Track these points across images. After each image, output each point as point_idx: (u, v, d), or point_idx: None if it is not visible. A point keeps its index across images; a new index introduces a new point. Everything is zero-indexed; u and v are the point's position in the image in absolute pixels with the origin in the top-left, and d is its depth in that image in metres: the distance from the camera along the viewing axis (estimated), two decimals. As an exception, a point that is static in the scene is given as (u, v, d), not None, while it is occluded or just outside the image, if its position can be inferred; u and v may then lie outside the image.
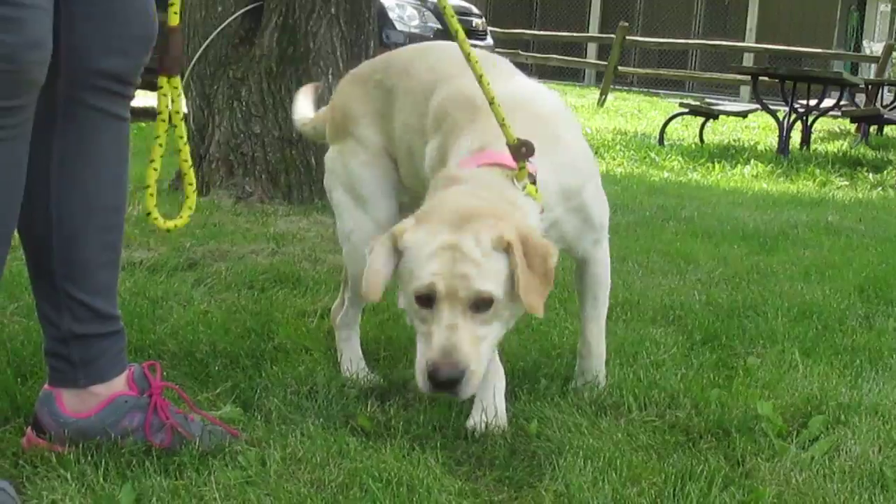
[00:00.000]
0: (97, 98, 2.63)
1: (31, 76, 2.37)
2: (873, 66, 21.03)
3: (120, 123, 2.72)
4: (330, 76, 6.61)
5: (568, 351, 3.76)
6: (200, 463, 2.72)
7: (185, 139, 2.82)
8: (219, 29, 6.65)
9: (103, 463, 2.65)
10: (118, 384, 2.83)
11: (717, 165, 11.56)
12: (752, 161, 11.81)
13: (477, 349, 2.72)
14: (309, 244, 5.48)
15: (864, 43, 28.85)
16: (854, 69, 26.20)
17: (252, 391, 3.28)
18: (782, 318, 4.49)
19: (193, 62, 6.70)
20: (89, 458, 2.68)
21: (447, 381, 2.67)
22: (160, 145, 2.77)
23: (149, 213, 2.84)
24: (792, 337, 4.21)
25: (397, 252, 2.84)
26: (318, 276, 4.79)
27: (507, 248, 2.77)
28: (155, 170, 2.80)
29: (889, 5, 32.22)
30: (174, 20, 2.67)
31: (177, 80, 2.74)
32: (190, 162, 2.87)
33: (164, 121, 2.76)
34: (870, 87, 16.81)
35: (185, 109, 6.32)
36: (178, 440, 2.80)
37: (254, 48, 6.63)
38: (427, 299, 2.74)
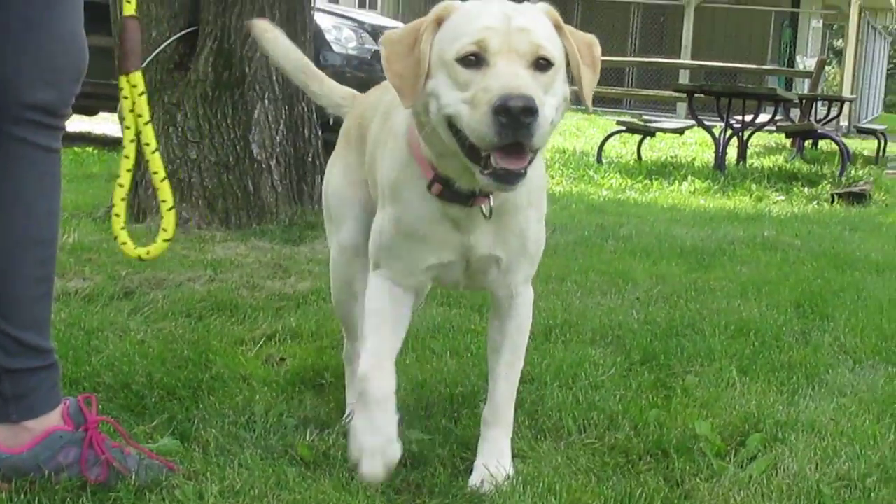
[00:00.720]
0: (26, 131, 2.60)
1: None
2: (807, 81, 21.27)
3: (51, 155, 2.68)
4: (266, 101, 6.60)
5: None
6: (137, 498, 2.69)
7: (153, 147, 2.67)
8: (154, 54, 6.61)
9: (37, 500, 2.62)
10: (53, 419, 2.78)
11: (655, 182, 11.64)
12: (690, 177, 11.89)
13: (542, 105, 2.38)
14: (247, 270, 5.44)
15: (798, 58, 29.20)
16: (788, 84, 26.50)
17: (189, 423, 3.24)
18: (720, 335, 4.52)
19: (128, 88, 6.64)
20: (22, 495, 2.64)
21: (524, 108, 2.31)
22: (127, 157, 2.65)
23: (116, 238, 2.74)
24: (729, 355, 4.25)
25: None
26: (256, 302, 4.76)
27: (558, 25, 2.62)
28: (121, 185, 2.70)
29: (821, 21, 32.66)
30: (128, 9, 2.56)
31: (136, 77, 2.60)
32: (163, 174, 2.67)
33: (128, 128, 2.70)
34: (804, 101, 17.01)
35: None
36: (114, 475, 2.76)
37: (189, 73, 6.60)
38: (475, 60, 2.45)
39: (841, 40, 34.21)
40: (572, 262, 6.09)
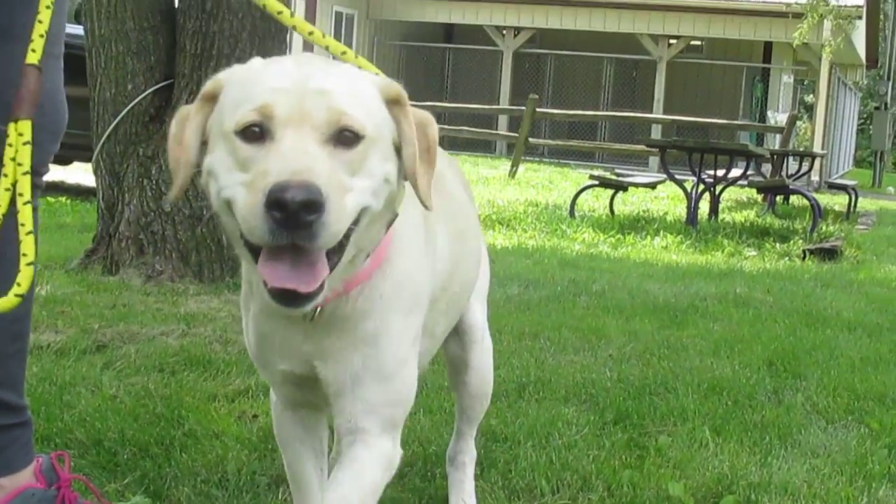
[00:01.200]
0: None
1: None
2: (778, 136, 21.45)
3: (27, 213, 2.68)
4: (241, 154, 6.59)
5: (481, 433, 3.75)
6: (108, 558, 2.68)
7: (26, 198, 2.41)
8: (129, 107, 6.61)
9: (7, 561, 2.60)
10: (25, 476, 2.77)
11: (627, 237, 11.69)
12: (662, 232, 11.94)
13: (340, 192, 1.93)
14: (220, 324, 5.43)
15: (769, 113, 29.44)
16: (760, 139, 26.72)
17: (161, 480, 3.23)
18: (693, 394, 4.53)
19: (103, 140, 6.65)
20: (-7, 556, 2.62)
21: (303, 203, 1.84)
22: None
23: None
24: (702, 414, 4.26)
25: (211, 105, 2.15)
26: (229, 357, 4.75)
27: (393, 99, 2.15)
28: None
29: (792, 77, 32.96)
30: (32, 58, 2.41)
31: (24, 126, 2.40)
32: (29, 227, 2.41)
33: (6, 175, 2.38)
34: (775, 157, 17.14)
35: (96, 186, 6.26)
36: (86, 535, 2.75)
37: (164, 126, 6.60)
38: (258, 132, 1.98)
39: (812, 95, 34.52)
40: (545, 318, 6.10)
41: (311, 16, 24.80)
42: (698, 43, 31.04)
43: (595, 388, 4.54)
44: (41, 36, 2.44)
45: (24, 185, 2.36)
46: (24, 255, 2.35)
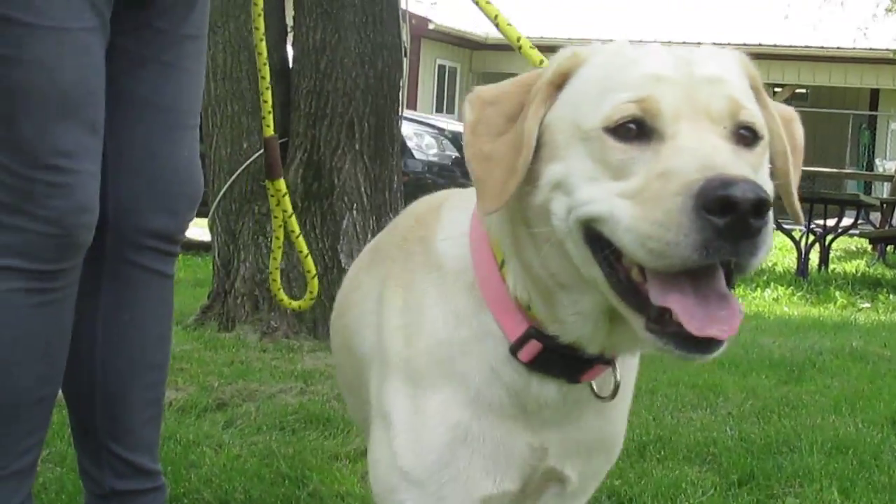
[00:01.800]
0: (143, 256, 2.66)
1: (79, 240, 2.39)
2: (887, 183, 21.12)
3: (165, 280, 2.74)
4: (354, 212, 6.66)
5: (604, 493, 3.71)
6: None
7: (297, 233, 3.23)
8: (244, 165, 6.72)
9: None
10: (161, 540, 2.81)
11: (737, 289, 11.54)
12: (772, 284, 11.79)
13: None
14: (336, 382, 5.45)
15: (877, 161, 29.05)
16: (868, 187, 26.34)
17: (290, 541, 3.25)
18: (817, 453, 4.44)
19: (219, 198, 6.76)
20: None
21: (757, 203, 1.44)
22: (277, 238, 3.30)
23: (275, 296, 3.46)
24: (829, 474, 4.17)
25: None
26: (348, 415, 4.77)
27: (755, 86, 1.78)
28: (275, 259, 3.37)
29: (899, 123, 32.50)
30: (267, 131, 3.14)
31: (280, 183, 3.15)
32: (305, 252, 3.29)
33: (276, 217, 3.21)
34: (885, 205, 16.88)
35: (212, 245, 6.41)
36: None
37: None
38: (635, 130, 1.59)
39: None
40: (660, 374, 6.04)
41: (414, 69, 25.03)
42: (804, 91, 30.73)
43: (717, 448, 4.47)
44: (269, 112, 3.17)
45: (293, 224, 3.17)
46: (308, 271, 3.30)
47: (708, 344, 1.50)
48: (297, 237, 3.16)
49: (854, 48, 25.67)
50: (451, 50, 27.39)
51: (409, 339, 1.82)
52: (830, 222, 13.51)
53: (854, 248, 18.25)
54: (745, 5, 28.11)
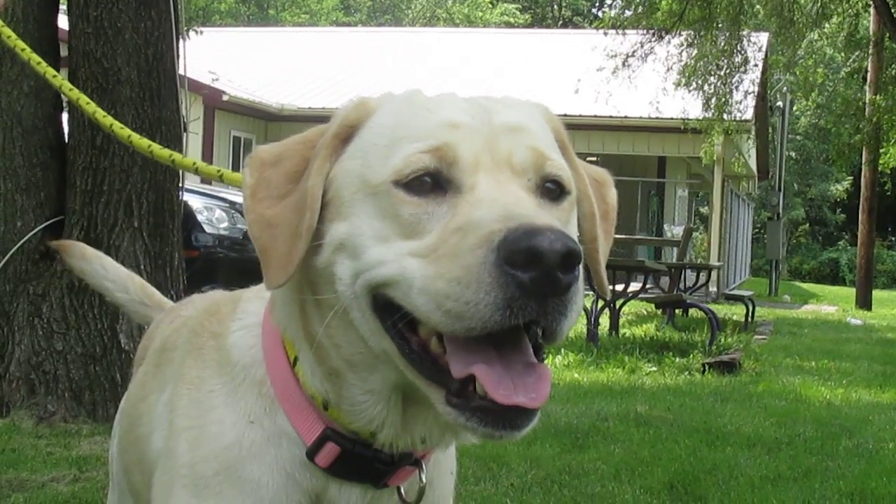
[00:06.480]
0: None
1: None
2: (675, 248, 21.75)
3: None
4: (134, 290, 6.50)
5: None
6: None
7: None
8: (18, 244, 6.52)
9: None
10: None
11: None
12: (563, 350, 11.98)
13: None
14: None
15: (665, 226, 29.95)
16: (658, 252, 27.09)
17: None
18: (594, 523, 4.50)
19: (-8, 279, 6.54)
20: None
21: (565, 253, 1.30)
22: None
23: None
24: (604, 543, 4.23)
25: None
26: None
27: (562, 142, 1.67)
28: None
29: (686, 190, 33.58)
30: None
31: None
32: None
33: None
34: (672, 270, 17.36)
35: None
36: None
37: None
38: (429, 183, 1.46)
39: (707, 206, 35.17)
40: (447, 446, 6.04)
41: (208, 141, 24.81)
42: (594, 159, 31.55)
43: (495, 521, 4.49)
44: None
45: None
46: None
47: (515, 417, 1.38)
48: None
49: (641, 118, 26.45)
50: (246, 121, 27.26)
51: (193, 443, 1.65)
52: (620, 288, 13.80)
53: (645, 312, 18.71)
54: (536, 78, 28.77)
